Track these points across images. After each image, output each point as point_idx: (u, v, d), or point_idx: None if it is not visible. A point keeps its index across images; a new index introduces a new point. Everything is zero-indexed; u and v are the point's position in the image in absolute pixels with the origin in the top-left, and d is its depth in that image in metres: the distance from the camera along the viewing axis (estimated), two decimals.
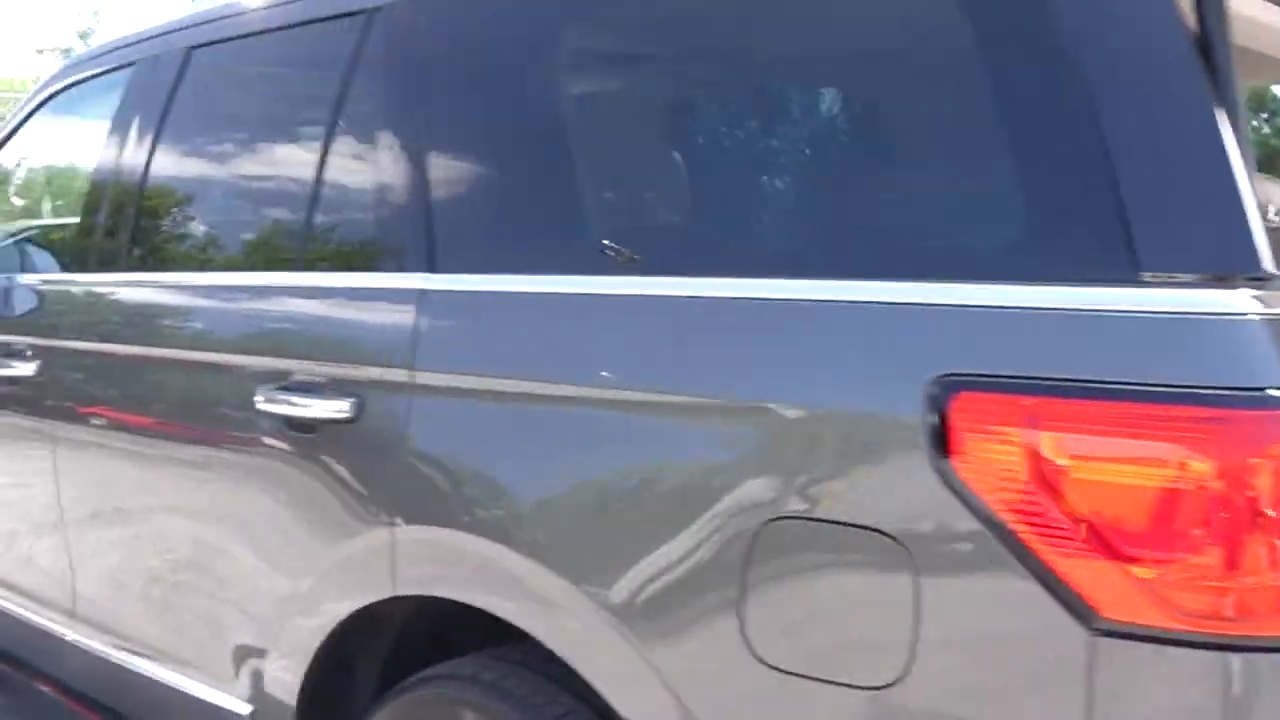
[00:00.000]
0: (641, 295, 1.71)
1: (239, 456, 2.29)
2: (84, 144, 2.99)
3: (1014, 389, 1.39)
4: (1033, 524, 1.37)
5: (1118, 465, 1.34)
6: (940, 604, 1.42)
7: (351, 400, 2.03)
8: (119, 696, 2.75)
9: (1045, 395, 1.37)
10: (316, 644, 2.13)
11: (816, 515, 1.51)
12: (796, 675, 1.52)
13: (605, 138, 2.00)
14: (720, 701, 1.59)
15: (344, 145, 2.21)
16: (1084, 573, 1.34)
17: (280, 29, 2.43)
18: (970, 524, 1.39)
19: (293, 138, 2.40)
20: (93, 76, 3.15)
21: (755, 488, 1.54)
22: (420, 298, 1.98)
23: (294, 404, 2.12)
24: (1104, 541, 1.34)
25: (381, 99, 2.14)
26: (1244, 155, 1.38)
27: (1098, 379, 1.35)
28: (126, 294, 2.71)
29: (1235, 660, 1.28)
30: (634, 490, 1.69)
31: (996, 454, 1.39)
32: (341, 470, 2.06)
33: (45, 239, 3.42)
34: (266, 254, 2.39)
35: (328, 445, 2.08)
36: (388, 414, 1.99)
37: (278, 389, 2.16)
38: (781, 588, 1.53)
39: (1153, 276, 1.37)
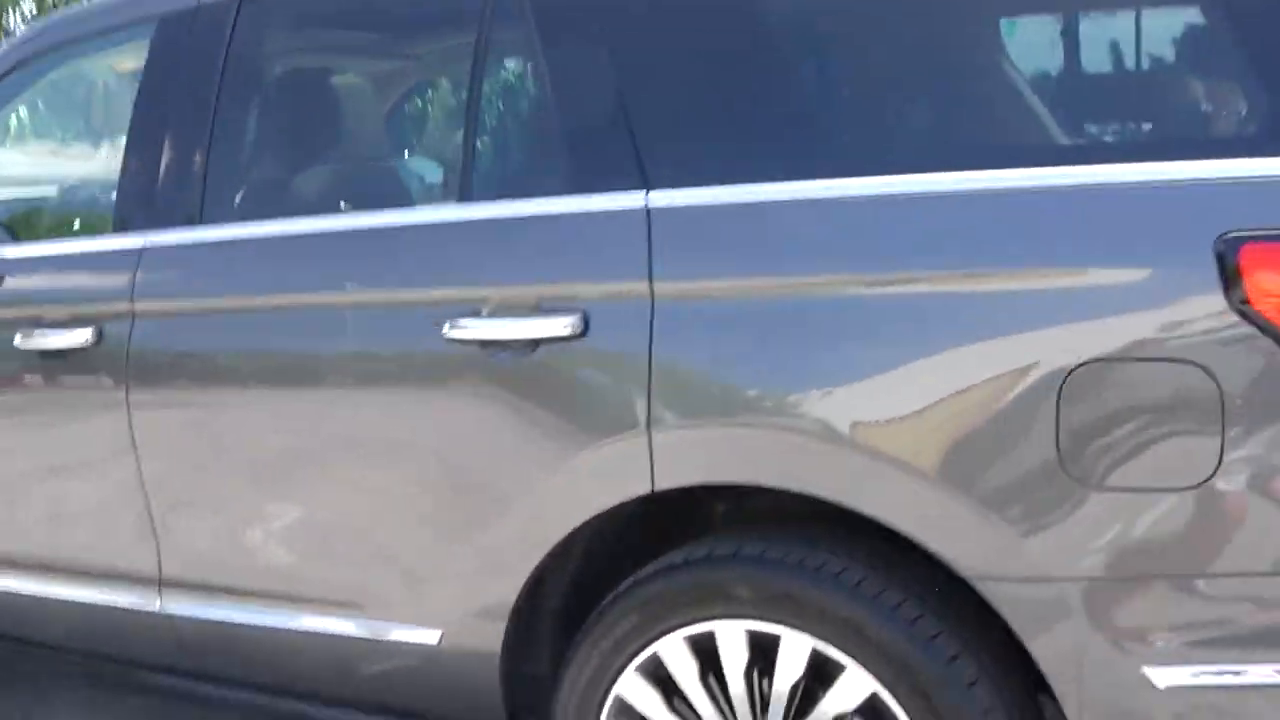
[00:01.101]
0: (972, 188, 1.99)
1: (424, 390, 2.38)
2: (115, 102, 2.93)
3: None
4: None
5: None
6: (1242, 410, 1.79)
7: (577, 315, 2.19)
8: (255, 659, 2.76)
9: None
10: (536, 559, 2.27)
11: (1125, 356, 1.85)
12: (1098, 487, 1.85)
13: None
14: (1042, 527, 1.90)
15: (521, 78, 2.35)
16: None
17: None
18: (1262, 340, 1.77)
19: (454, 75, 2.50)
20: (97, 33, 3.09)
21: (1075, 342, 1.86)
22: (647, 215, 2.17)
23: (495, 327, 2.25)
24: None
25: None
26: None
27: None
28: (254, 246, 2.69)
29: None
30: (945, 357, 1.96)
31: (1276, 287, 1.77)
32: (567, 385, 2.22)
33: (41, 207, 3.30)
34: (436, 190, 2.49)
35: (546, 363, 2.23)
36: (625, 326, 2.16)
37: (471, 316, 2.28)
38: (1093, 416, 1.86)
39: None
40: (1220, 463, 1.81)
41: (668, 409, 2.14)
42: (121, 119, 3.03)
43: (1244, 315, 1.79)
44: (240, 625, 2.73)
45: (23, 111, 3.40)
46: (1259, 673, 1.86)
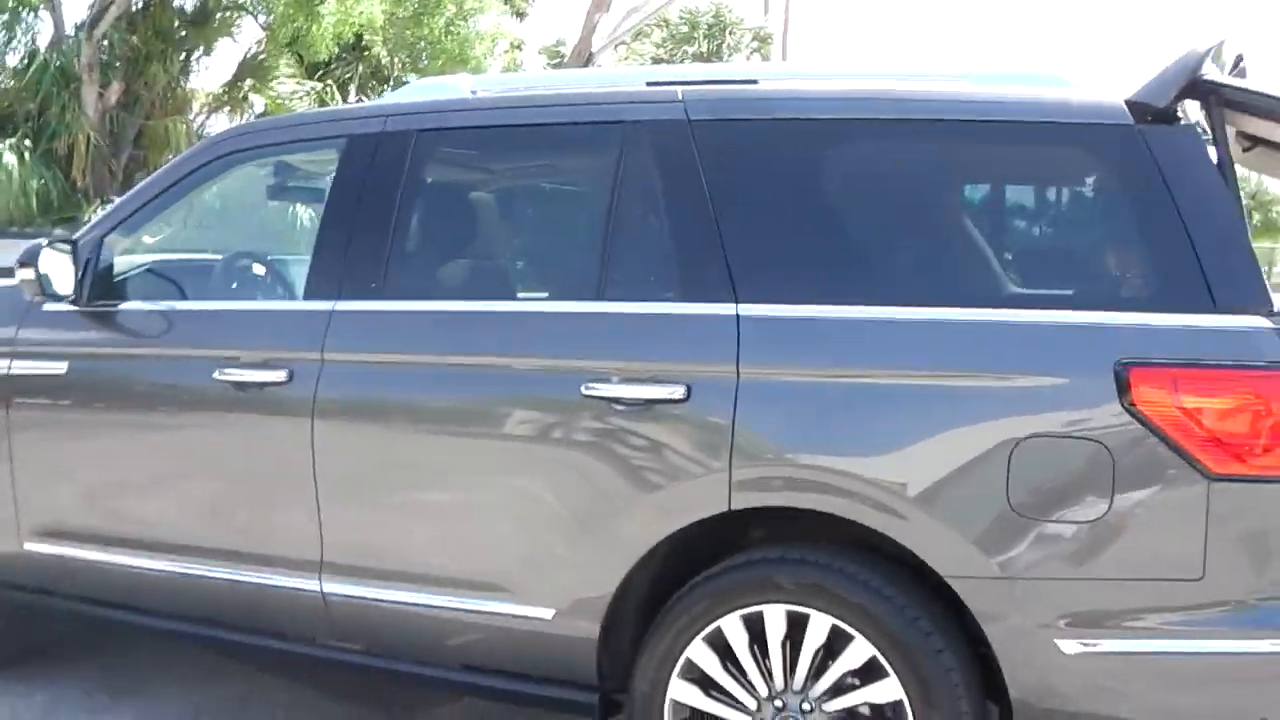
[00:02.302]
0: (923, 319, 3.03)
1: (561, 429, 3.34)
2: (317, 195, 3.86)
3: (1161, 365, 2.83)
4: (1177, 430, 2.80)
5: (1216, 400, 2.81)
6: (1127, 472, 2.82)
7: (682, 386, 3.19)
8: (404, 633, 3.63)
9: (1179, 368, 2.82)
10: (638, 555, 3.23)
11: (1054, 433, 2.88)
12: (1033, 518, 2.87)
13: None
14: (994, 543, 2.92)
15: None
16: (1205, 452, 2.79)
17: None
18: (1140, 430, 2.81)
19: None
20: (285, 144, 4.08)
21: (1021, 421, 2.89)
22: (737, 320, 3.18)
23: (622, 389, 3.24)
24: (1217, 438, 2.79)
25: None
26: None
27: (1201, 360, 2.81)
28: (427, 317, 3.63)
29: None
30: (935, 427, 2.98)
31: (1155, 397, 2.82)
32: (671, 433, 3.19)
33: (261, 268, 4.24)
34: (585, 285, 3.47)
35: (657, 417, 3.21)
36: (717, 395, 3.16)
37: (602, 381, 3.27)
38: (1031, 470, 2.89)
39: (1223, 308, 2.85)
40: (1111, 505, 2.84)
41: (743, 454, 3.13)
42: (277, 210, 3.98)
43: (1130, 413, 2.83)
44: (388, 603, 3.63)
45: (212, 192, 4.33)
46: (1125, 645, 2.87)
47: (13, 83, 18.42)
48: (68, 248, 4.03)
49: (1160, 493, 2.84)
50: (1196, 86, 3.02)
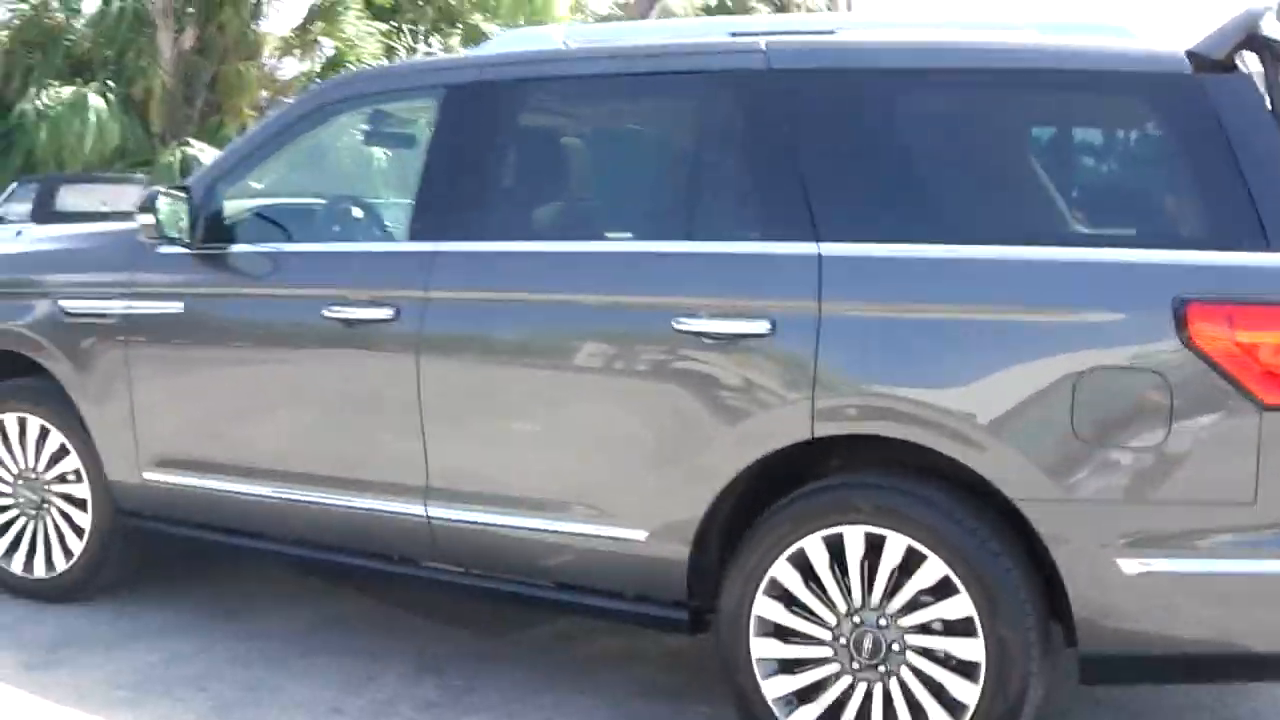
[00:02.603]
0: (994, 257, 3.22)
1: (653, 362, 3.58)
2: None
3: (1217, 302, 3.01)
4: (1231, 363, 2.99)
5: (1268, 334, 2.99)
6: (1183, 403, 3.02)
7: (767, 321, 3.41)
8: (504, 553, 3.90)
9: (1234, 304, 3.00)
10: (727, 479, 3.47)
11: (1115, 365, 3.08)
12: (1095, 444, 3.08)
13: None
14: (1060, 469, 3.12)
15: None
16: (1258, 383, 2.98)
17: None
18: (1197, 362, 3.00)
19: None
20: (385, 93, 4.35)
21: (1085, 354, 3.09)
22: (819, 259, 3.39)
23: (711, 324, 3.46)
24: (1269, 371, 2.98)
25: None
26: None
27: (1255, 297, 2.99)
28: (527, 257, 3.87)
29: None
30: (1004, 359, 3.19)
31: (1211, 332, 3.01)
32: (759, 366, 3.41)
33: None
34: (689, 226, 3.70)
35: (744, 350, 3.43)
36: (800, 329, 3.37)
37: (689, 315, 3.49)
38: (1094, 400, 3.08)
39: (1276, 247, 3.02)
40: (1169, 433, 3.04)
41: (825, 385, 3.35)
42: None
43: (1187, 347, 3.02)
44: (490, 526, 3.89)
45: (313, 141, 4.58)
46: (1182, 565, 3.08)
47: (90, 29, 18.81)
48: (182, 193, 4.30)
49: (1215, 422, 3.04)
50: (1254, 40, 3.18)
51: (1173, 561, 3.10)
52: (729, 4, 29.43)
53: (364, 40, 20.70)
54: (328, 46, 21.10)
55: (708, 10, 29.48)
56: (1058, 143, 3.88)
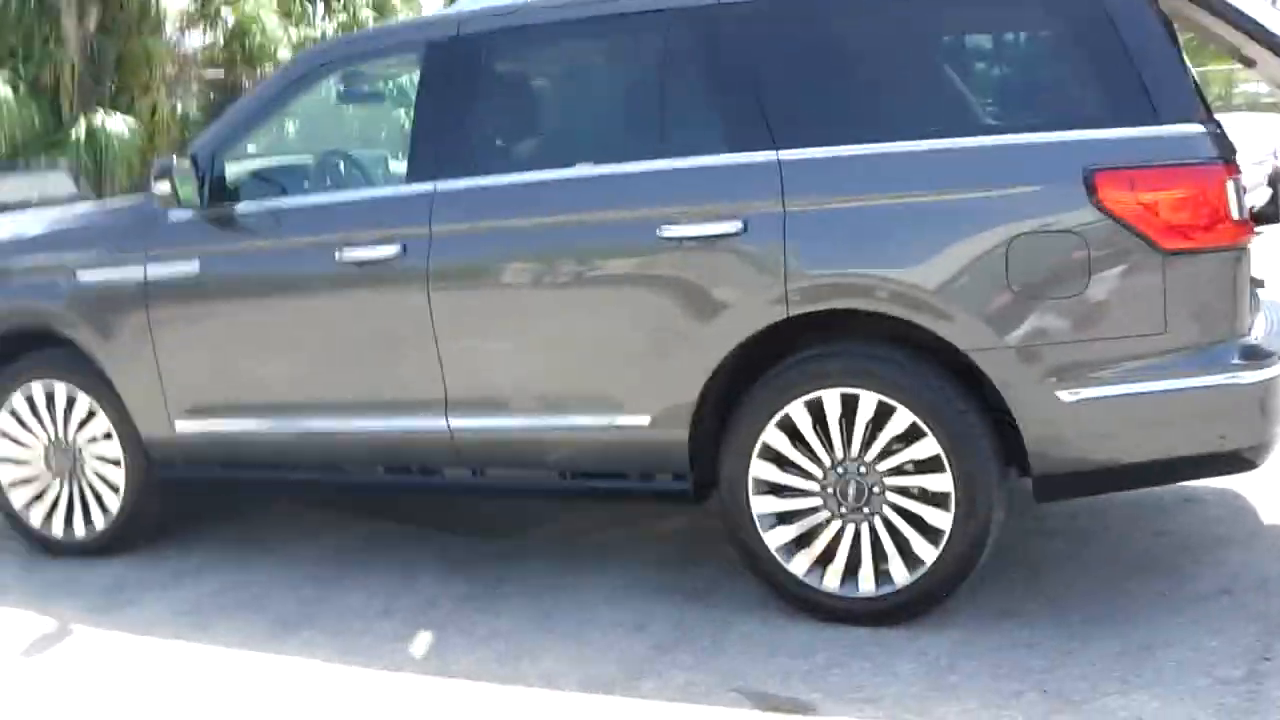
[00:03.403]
0: (926, 149, 3.78)
1: (642, 267, 4.08)
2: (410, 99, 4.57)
3: (1120, 169, 3.59)
4: (1135, 219, 3.58)
5: (1164, 192, 3.58)
6: (1098, 258, 3.60)
7: (739, 221, 3.94)
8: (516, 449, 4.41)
9: (1134, 169, 3.58)
10: (716, 362, 4.00)
11: (1039, 230, 3.65)
12: (1029, 298, 3.65)
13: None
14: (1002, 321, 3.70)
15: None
16: (1158, 233, 3.57)
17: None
18: (1107, 222, 3.58)
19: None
20: (370, 54, 4.85)
21: (1013, 223, 3.65)
22: (779, 164, 3.92)
23: (690, 229, 3.99)
24: (1166, 222, 3.56)
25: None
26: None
27: (1150, 162, 3.57)
28: (518, 187, 4.35)
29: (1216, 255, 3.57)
30: (945, 234, 3.74)
31: (1116, 195, 3.59)
32: (736, 261, 3.94)
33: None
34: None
35: (721, 249, 3.95)
36: (769, 226, 3.91)
37: (670, 223, 4.01)
38: (1024, 261, 3.66)
39: (1165, 120, 3.61)
40: (1090, 281, 3.63)
41: (795, 269, 3.88)
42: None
43: (1098, 208, 3.60)
44: (507, 428, 4.40)
45: (304, 104, 5.01)
46: (1112, 390, 3.67)
47: None
48: (188, 161, 4.71)
49: (1127, 269, 3.62)
50: None
51: (1103, 389, 3.69)
52: None
53: (263, 8, 20.77)
54: (229, 18, 21.14)
55: None
56: (974, 46, 4.43)
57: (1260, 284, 4.26)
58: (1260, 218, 6.01)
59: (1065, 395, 3.69)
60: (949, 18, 4.14)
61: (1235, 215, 3.60)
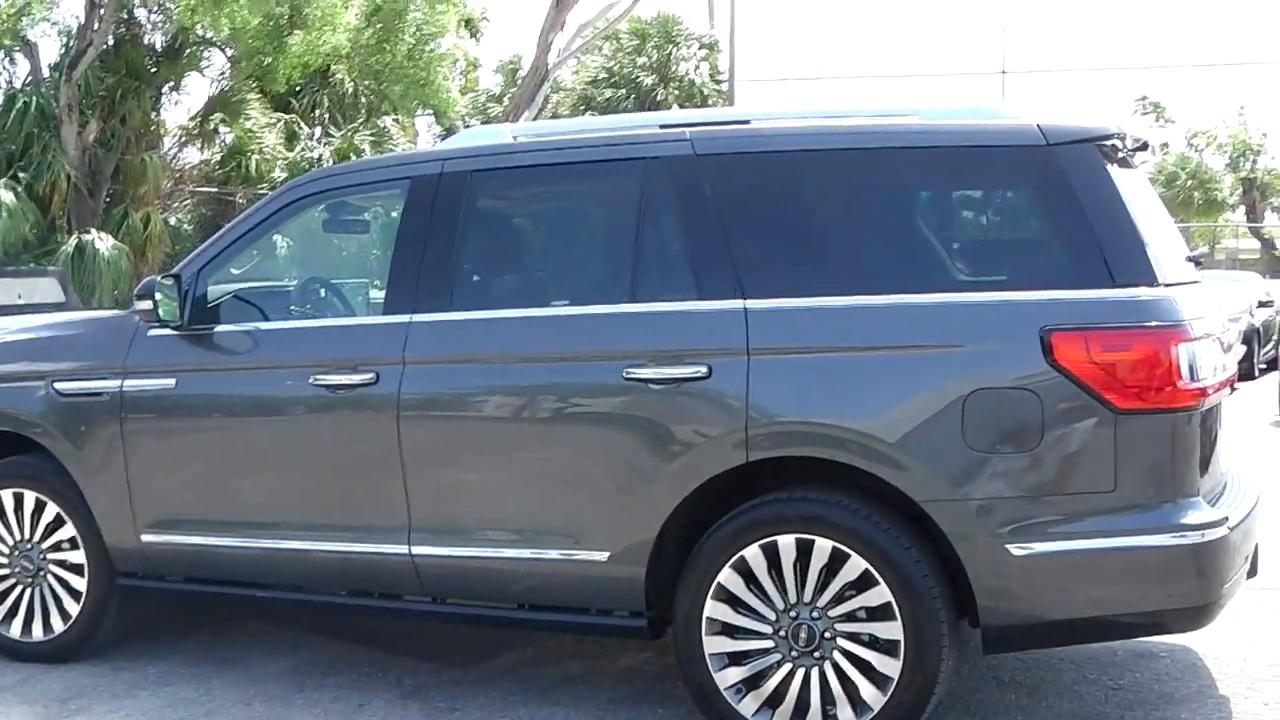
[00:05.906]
0: (889, 304, 3.91)
1: (608, 406, 4.19)
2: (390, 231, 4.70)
3: (1075, 329, 3.72)
4: (1089, 378, 3.70)
5: (1117, 354, 3.70)
6: (1053, 416, 3.71)
7: (704, 366, 4.05)
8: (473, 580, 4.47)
9: (1089, 330, 3.71)
10: (676, 502, 4.08)
11: (996, 386, 3.76)
12: (983, 452, 3.75)
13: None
14: (955, 474, 3.79)
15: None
16: (1111, 393, 3.68)
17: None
18: (1062, 381, 3.70)
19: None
20: (357, 186, 4.94)
21: (971, 379, 3.77)
22: (745, 312, 4.04)
23: (656, 371, 4.09)
24: (1119, 382, 3.69)
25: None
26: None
27: (1104, 324, 3.71)
28: (490, 323, 4.47)
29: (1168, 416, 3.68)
30: (904, 387, 3.86)
31: (1071, 354, 3.71)
32: (699, 404, 4.04)
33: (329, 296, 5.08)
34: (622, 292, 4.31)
35: (686, 393, 4.06)
36: (733, 372, 4.02)
37: (637, 365, 4.12)
38: (980, 416, 3.76)
39: (1120, 283, 3.75)
40: (1043, 438, 3.73)
41: (757, 416, 3.99)
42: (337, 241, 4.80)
43: (1053, 367, 3.72)
44: (468, 557, 4.45)
45: (287, 231, 5.15)
46: (1062, 545, 3.76)
47: None
48: (172, 281, 4.82)
49: (1079, 427, 3.73)
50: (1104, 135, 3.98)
51: (1053, 544, 3.77)
52: (616, 79, 30.42)
53: (262, 129, 21.21)
54: (228, 136, 21.56)
55: (594, 84, 30.49)
56: (941, 206, 4.60)
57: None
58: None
59: (1016, 549, 3.77)
60: (916, 179, 4.31)
61: (1186, 378, 3.71)
